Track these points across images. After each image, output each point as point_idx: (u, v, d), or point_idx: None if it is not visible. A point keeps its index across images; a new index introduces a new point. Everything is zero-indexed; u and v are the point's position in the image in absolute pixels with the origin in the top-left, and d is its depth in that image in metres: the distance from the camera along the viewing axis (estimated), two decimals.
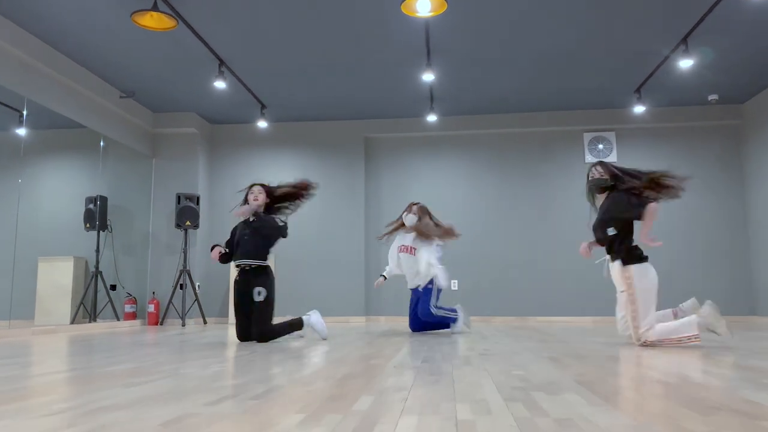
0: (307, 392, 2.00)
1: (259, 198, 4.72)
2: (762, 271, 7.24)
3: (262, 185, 4.80)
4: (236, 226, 4.85)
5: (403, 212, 5.61)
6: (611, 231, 3.89)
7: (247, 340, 4.51)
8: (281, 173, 8.23)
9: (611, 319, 7.57)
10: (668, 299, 7.52)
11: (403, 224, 5.60)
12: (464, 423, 1.48)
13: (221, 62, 6.13)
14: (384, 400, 1.83)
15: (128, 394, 1.96)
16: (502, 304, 7.76)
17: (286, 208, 4.89)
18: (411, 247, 5.47)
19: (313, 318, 4.68)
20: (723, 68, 6.46)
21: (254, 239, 4.60)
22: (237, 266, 4.64)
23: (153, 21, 4.73)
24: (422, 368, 2.65)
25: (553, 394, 1.93)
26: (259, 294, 4.46)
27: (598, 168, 3.99)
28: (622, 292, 3.92)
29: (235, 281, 4.64)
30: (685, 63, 5.69)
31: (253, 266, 4.56)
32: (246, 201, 4.78)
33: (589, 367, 2.64)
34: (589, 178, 4.03)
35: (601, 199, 4.06)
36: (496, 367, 2.70)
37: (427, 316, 5.22)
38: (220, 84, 6.14)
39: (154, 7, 4.63)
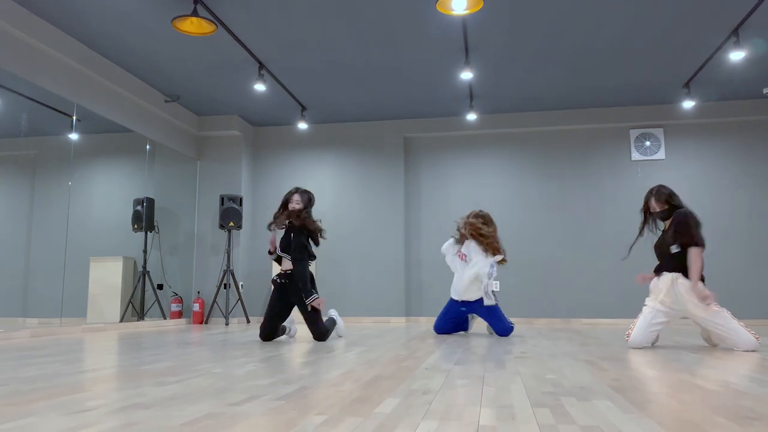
0: (333, 393, 2.00)
1: (299, 204, 4.77)
2: None
3: (306, 192, 4.84)
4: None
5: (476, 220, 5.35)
6: (674, 248, 3.97)
7: (270, 340, 4.56)
8: (322, 174, 8.30)
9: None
10: (726, 303, 7.24)
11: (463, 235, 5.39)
12: (485, 429, 1.45)
13: (261, 65, 6.21)
14: (409, 403, 1.82)
15: (158, 393, 2.00)
16: (546, 306, 7.62)
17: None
18: (463, 254, 5.32)
19: (334, 315, 4.92)
20: None
21: (297, 239, 4.67)
22: (280, 268, 4.73)
23: (193, 26, 4.83)
24: (454, 371, 2.62)
25: (584, 399, 1.88)
26: (309, 306, 4.53)
27: (657, 201, 4.09)
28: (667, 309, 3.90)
29: (277, 281, 4.69)
30: (737, 55, 5.46)
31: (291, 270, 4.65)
32: (284, 206, 4.80)
33: (626, 372, 2.56)
34: (653, 209, 4.14)
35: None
36: (530, 370, 2.65)
37: (508, 332, 5.14)
38: (260, 86, 6.22)
39: (194, 13, 4.73)
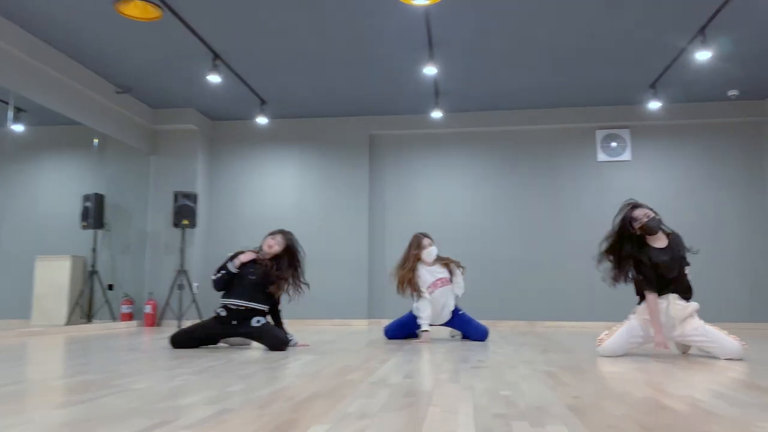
0: (255, 418, 1.75)
1: (274, 248, 4.25)
2: None
3: (285, 234, 4.33)
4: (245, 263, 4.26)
5: (412, 249, 4.99)
6: (688, 269, 3.71)
7: (183, 348, 4.05)
8: (283, 171, 8.01)
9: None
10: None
11: (418, 259, 4.98)
12: None
13: (215, 55, 5.91)
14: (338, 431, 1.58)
15: (53, 417, 1.72)
16: (510, 308, 7.46)
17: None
18: (446, 279, 4.98)
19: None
20: (743, 61, 6.11)
21: (261, 285, 4.17)
22: (224, 306, 4.09)
23: (137, 10, 4.52)
24: (400, 386, 2.39)
25: (538, 425, 1.66)
26: (258, 321, 4.10)
27: (645, 209, 3.70)
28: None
29: (222, 316, 4.10)
30: (703, 55, 5.36)
31: (248, 308, 4.09)
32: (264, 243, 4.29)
33: (588, 387, 2.37)
34: (639, 220, 3.68)
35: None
36: (484, 384, 2.44)
37: (486, 335, 4.93)
38: (214, 78, 5.92)
39: None
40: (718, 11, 4.98)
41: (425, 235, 5.00)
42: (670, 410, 1.88)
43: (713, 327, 3.61)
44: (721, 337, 3.53)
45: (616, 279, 3.85)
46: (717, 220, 7.30)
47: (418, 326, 4.94)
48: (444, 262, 5.03)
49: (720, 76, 6.54)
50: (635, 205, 3.77)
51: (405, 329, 5.10)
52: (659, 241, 3.76)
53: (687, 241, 3.85)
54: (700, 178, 7.41)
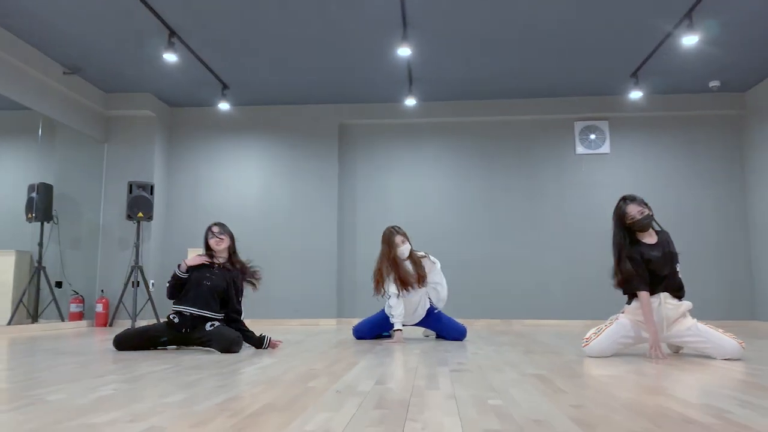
0: None
1: (222, 242, 3.91)
2: (763, 273, 6.70)
3: (222, 225, 4.00)
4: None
5: (387, 246, 4.56)
6: (679, 267, 3.50)
7: (128, 350, 3.68)
8: (247, 161, 7.57)
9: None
10: None
11: (394, 260, 4.55)
12: None
13: (171, 32, 5.45)
14: None
15: None
16: (486, 306, 7.16)
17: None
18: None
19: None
20: (728, 48, 5.90)
21: (216, 291, 3.81)
22: (177, 312, 3.75)
23: None
24: (372, 395, 2.02)
25: None
26: (211, 325, 3.70)
27: (638, 205, 3.46)
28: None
29: (169, 322, 3.75)
30: (690, 39, 5.11)
31: (201, 316, 3.73)
32: (207, 244, 3.97)
33: (589, 394, 2.03)
34: (632, 216, 3.44)
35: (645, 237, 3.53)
36: (469, 392, 2.09)
37: (465, 334, 4.61)
38: (170, 56, 5.46)
39: None
40: None
41: (397, 231, 4.59)
42: (698, 424, 1.55)
43: (708, 326, 3.35)
44: (717, 337, 3.27)
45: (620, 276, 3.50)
46: (695, 216, 7.11)
47: (390, 326, 4.58)
48: (416, 258, 4.66)
49: (702, 66, 6.33)
50: (630, 200, 3.50)
51: (375, 329, 4.75)
52: (649, 238, 3.53)
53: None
54: (679, 172, 7.21)
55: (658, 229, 3.58)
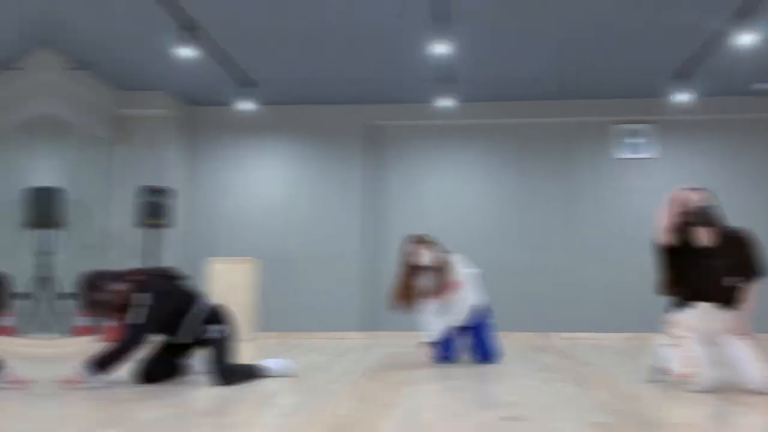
0: None
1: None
2: None
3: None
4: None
5: (408, 254, 4.26)
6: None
7: (155, 381, 3.22)
8: (271, 164, 7.17)
9: (644, 335, 6.63)
10: None
11: (416, 267, 4.24)
12: None
13: (188, 25, 4.98)
14: None
15: None
16: (522, 318, 6.77)
17: None
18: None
19: (273, 366, 3.48)
20: None
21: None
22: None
23: None
24: None
25: None
26: (217, 331, 3.25)
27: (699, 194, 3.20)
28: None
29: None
30: (747, 39, 4.70)
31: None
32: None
33: None
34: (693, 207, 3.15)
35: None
36: None
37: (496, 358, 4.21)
38: (186, 51, 5.00)
39: None
40: None
41: (411, 240, 4.26)
42: None
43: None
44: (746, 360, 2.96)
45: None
46: (748, 223, 6.74)
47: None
48: (439, 265, 4.22)
49: (754, 66, 5.97)
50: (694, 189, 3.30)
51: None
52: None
53: None
54: (729, 180, 6.85)
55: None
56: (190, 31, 4.98)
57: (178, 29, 5.09)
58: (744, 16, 4.65)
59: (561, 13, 4.83)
